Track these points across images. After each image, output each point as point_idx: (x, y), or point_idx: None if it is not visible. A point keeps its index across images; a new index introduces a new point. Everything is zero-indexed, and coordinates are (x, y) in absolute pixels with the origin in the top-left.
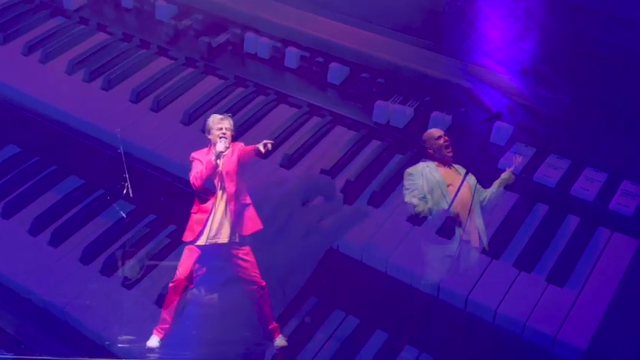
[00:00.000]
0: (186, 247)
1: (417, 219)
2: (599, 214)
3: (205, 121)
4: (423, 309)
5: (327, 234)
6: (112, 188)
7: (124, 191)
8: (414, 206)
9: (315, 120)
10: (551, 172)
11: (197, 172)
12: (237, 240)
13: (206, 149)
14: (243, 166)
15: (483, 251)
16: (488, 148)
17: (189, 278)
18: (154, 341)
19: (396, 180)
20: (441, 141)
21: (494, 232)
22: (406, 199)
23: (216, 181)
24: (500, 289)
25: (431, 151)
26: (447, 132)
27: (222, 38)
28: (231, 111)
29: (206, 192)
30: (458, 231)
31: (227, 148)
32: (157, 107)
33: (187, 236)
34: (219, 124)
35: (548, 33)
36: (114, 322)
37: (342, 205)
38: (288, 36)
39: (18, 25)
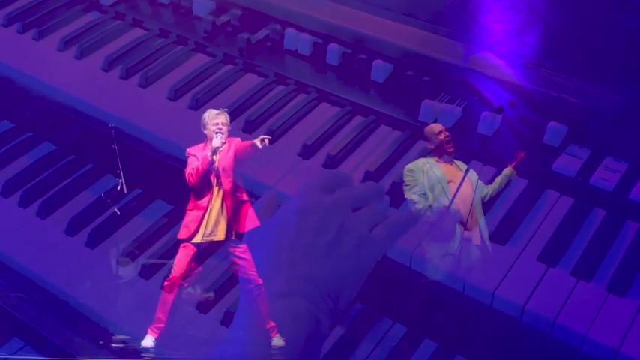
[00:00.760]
0: (182, 244)
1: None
2: (626, 207)
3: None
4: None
5: (380, 243)
6: (151, 188)
7: (119, 188)
8: (415, 203)
9: (358, 119)
10: (608, 175)
11: (193, 168)
12: (233, 238)
13: (202, 145)
14: (239, 162)
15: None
16: (490, 143)
17: (185, 276)
18: (148, 341)
19: None
20: (442, 136)
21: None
22: (406, 196)
23: (212, 178)
24: (528, 285)
25: (431, 146)
26: (496, 132)
27: (261, 34)
28: (271, 109)
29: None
30: (459, 228)
31: (223, 143)
32: (196, 105)
33: (183, 233)
34: (215, 119)
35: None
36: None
37: (390, 211)
38: (329, 32)
39: (53, 21)
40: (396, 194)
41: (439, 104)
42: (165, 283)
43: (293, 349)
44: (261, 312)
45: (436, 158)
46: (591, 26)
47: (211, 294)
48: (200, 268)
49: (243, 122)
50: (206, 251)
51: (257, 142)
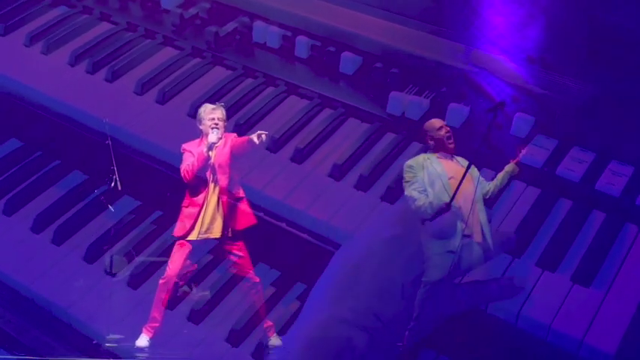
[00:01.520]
0: (177, 242)
1: None
2: (626, 210)
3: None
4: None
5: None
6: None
7: (112, 184)
8: (414, 200)
9: (327, 112)
10: (574, 165)
11: (188, 164)
12: (230, 235)
13: (197, 140)
14: (236, 157)
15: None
16: (492, 139)
17: (180, 275)
18: (143, 340)
19: None
20: (443, 132)
21: (514, 229)
22: (406, 193)
23: (208, 174)
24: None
25: (432, 142)
26: (464, 124)
27: (229, 27)
28: (240, 103)
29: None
30: (460, 225)
31: (219, 139)
32: (163, 99)
33: (178, 231)
34: (211, 113)
35: (570, 18)
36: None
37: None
38: (298, 24)
39: (19, 16)
40: (364, 186)
41: (407, 96)
42: (160, 281)
43: None
44: (257, 310)
45: (436, 154)
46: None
47: (207, 293)
48: (195, 266)
49: None
50: (202, 249)
51: (254, 137)
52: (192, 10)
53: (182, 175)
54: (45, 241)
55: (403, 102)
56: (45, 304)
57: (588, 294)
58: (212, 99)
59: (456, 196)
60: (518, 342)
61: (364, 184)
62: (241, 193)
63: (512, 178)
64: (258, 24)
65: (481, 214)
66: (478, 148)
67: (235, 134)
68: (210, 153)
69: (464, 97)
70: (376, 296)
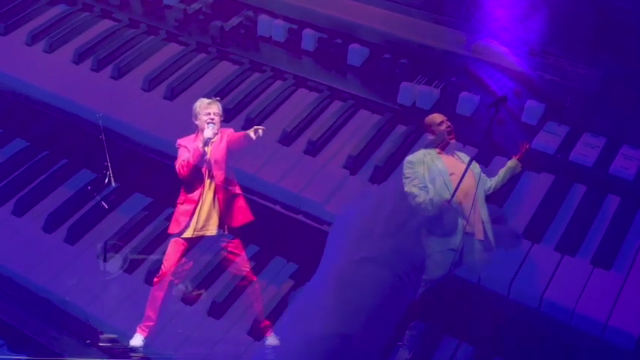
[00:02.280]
0: (172, 239)
1: None
2: (606, 181)
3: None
4: (461, 292)
5: None
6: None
7: (106, 180)
8: (415, 196)
9: (337, 104)
10: (587, 150)
11: (183, 160)
12: (226, 232)
13: (193, 136)
14: (232, 153)
15: (524, 235)
16: (495, 134)
17: (175, 273)
18: (137, 340)
19: None
20: (444, 127)
21: (531, 215)
22: (406, 189)
23: (203, 170)
24: (545, 275)
25: (433, 137)
26: (475, 112)
27: (234, 22)
28: (249, 97)
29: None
30: (461, 222)
31: (215, 134)
32: (172, 95)
33: (173, 228)
34: (207, 108)
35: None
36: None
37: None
38: (304, 17)
39: (19, 15)
40: (380, 179)
41: (417, 86)
42: (155, 279)
43: (370, 313)
44: (254, 310)
45: (437, 149)
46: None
47: (202, 291)
48: (191, 264)
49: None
50: (197, 246)
51: (250, 132)
52: (196, 5)
53: (177, 171)
54: (58, 241)
55: (414, 92)
56: (62, 303)
57: (609, 277)
58: (221, 94)
59: (457, 192)
60: (541, 327)
61: (379, 175)
62: (238, 190)
63: (514, 174)
64: (263, 18)
65: (483, 211)
66: (480, 142)
67: (232, 129)
68: (206, 148)
69: (474, 86)
70: (392, 237)
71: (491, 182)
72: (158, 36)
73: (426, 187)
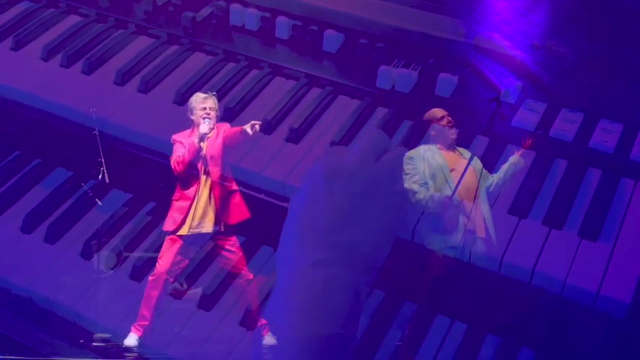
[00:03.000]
0: (167, 237)
1: None
2: (621, 165)
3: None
4: (452, 271)
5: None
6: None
7: (100, 176)
8: (415, 193)
9: (315, 91)
10: (566, 126)
11: (179, 156)
12: (222, 229)
13: (188, 131)
14: (228, 149)
15: (510, 212)
16: (496, 126)
17: (171, 271)
18: (131, 340)
19: (411, 146)
20: (444, 122)
21: (516, 192)
22: (406, 185)
23: (199, 166)
24: (534, 249)
25: (433, 132)
26: (454, 92)
27: (205, 12)
28: (225, 87)
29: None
30: (462, 220)
31: (212, 129)
32: (146, 88)
33: (168, 225)
34: (203, 103)
35: None
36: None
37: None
38: (276, 5)
39: None
40: None
41: (395, 70)
42: (150, 278)
43: (333, 320)
44: (251, 308)
45: (438, 145)
46: None
47: (199, 290)
48: (187, 262)
49: None
50: (193, 244)
51: (247, 127)
52: None
53: (172, 167)
54: (38, 241)
55: (392, 75)
56: (46, 304)
57: (597, 248)
58: (197, 84)
59: (458, 188)
60: (533, 300)
61: None
62: (234, 186)
63: (516, 169)
64: (235, 7)
65: (484, 208)
66: (534, 130)
67: (228, 124)
68: (201, 144)
69: (452, 67)
70: (337, 231)
71: (493, 178)
72: (127, 29)
73: (426, 183)
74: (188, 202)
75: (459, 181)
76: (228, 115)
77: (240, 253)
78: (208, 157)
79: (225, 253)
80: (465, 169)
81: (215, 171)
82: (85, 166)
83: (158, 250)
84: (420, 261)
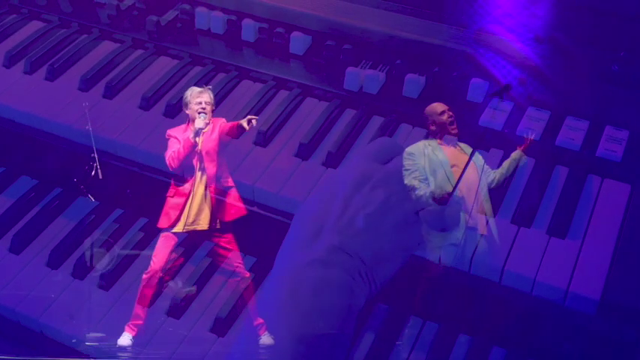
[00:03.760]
0: (162, 234)
1: None
2: (588, 162)
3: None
4: (426, 272)
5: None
6: (70, 185)
7: (93, 172)
8: (415, 189)
9: (283, 94)
10: (533, 124)
11: (173, 151)
12: (218, 227)
13: (183, 126)
14: (224, 144)
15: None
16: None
17: (165, 269)
18: (125, 339)
19: None
20: (445, 116)
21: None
22: (406, 182)
23: (194, 162)
24: (504, 247)
25: (433, 127)
26: (422, 93)
27: (170, 15)
28: None
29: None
30: (463, 217)
31: (207, 124)
32: (111, 94)
33: (163, 222)
34: (198, 97)
35: None
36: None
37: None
38: (242, 8)
39: None
40: (333, 163)
41: (363, 71)
42: (144, 276)
43: (327, 319)
44: (247, 307)
45: (438, 140)
46: None
47: (193, 288)
48: (182, 260)
49: (164, 107)
50: (188, 241)
51: (244, 122)
52: (128, 1)
53: (167, 163)
54: (2, 251)
55: (360, 77)
56: (12, 315)
57: (565, 245)
58: (162, 89)
59: (459, 185)
60: (503, 299)
61: (333, 160)
62: (230, 182)
63: (518, 165)
64: (200, 10)
65: (486, 205)
66: (483, 132)
67: (224, 119)
68: (197, 139)
69: (419, 67)
70: (338, 234)
71: (495, 174)
72: (91, 34)
73: (426, 179)
74: (183, 199)
75: (460, 177)
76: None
77: (237, 251)
78: (204, 152)
79: (221, 250)
80: (466, 165)
81: (211, 167)
82: (51, 174)
83: (128, 257)
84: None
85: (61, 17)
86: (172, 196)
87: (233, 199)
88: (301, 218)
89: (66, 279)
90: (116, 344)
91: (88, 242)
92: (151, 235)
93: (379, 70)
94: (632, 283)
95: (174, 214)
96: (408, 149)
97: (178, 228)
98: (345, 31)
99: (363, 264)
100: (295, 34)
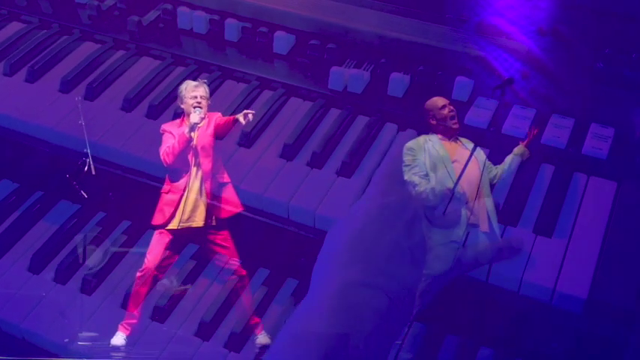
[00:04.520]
0: (156, 231)
1: None
2: (574, 160)
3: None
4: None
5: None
6: (52, 188)
7: (85, 168)
8: (415, 185)
9: (267, 94)
10: (519, 122)
11: (168, 146)
12: (213, 224)
13: (178, 120)
14: (220, 139)
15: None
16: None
17: (160, 267)
18: (119, 339)
19: (364, 149)
20: (446, 111)
21: None
22: (406, 177)
23: (189, 157)
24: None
25: (434, 122)
26: (407, 93)
27: (152, 15)
28: (175, 92)
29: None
30: (465, 213)
31: (202, 119)
32: (92, 96)
33: (157, 219)
34: (194, 91)
35: None
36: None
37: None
38: (224, 7)
39: None
40: (318, 164)
41: (347, 70)
42: (138, 274)
43: (367, 336)
44: (244, 306)
45: (439, 135)
46: None
47: (189, 287)
48: (176, 258)
49: (147, 108)
50: (183, 239)
51: (240, 117)
52: (109, 1)
53: (162, 158)
54: None
55: (344, 76)
56: None
57: (552, 244)
58: (145, 90)
59: (461, 181)
60: (491, 298)
61: (318, 161)
62: (226, 178)
63: (521, 161)
64: (182, 10)
65: (488, 201)
66: (487, 128)
67: (219, 114)
68: (192, 134)
69: (404, 66)
70: (384, 259)
71: (497, 170)
72: (72, 35)
73: (427, 175)
74: (178, 195)
75: (462, 173)
76: (175, 119)
77: (233, 248)
78: (199, 147)
79: (216, 248)
80: (468, 161)
81: (206, 162)
82: (32, 178)
83: (111, 261)
84: None
85: (42, 18)
86: (167, 193)
87: (229, 195)
88: (338, 241)
89: (48, 284)
90: (109, 344)
91: (70, 246)
92: (134, 237)
93: (364, 70)
94: (619, 281)
95: (168, 211)
96: (408, 144)
97: (173, 225)
98: (329, 30)
99: (406, 290)
100: (279, 33)
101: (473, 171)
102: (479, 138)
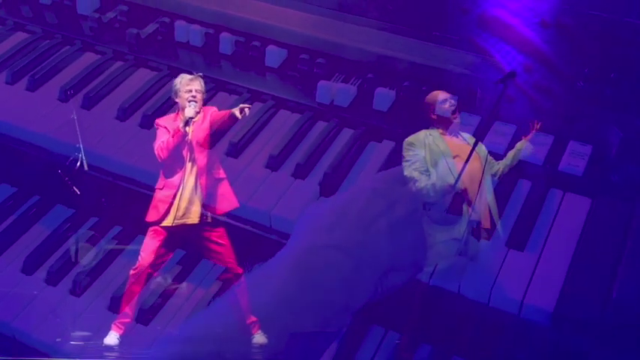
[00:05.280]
0: (150, 228)
1: None
2: (550, 176)
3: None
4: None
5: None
6: (48, 193)
7: (78, 163)
8: (415, 181)
9: (257, 105)
10: (498, 138)
11: (162, 141)
12: (209, 220)
13: (173, 115)
14: (216, 134)
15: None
16: (502, 112)
17: (154, 265)
18: (112, 338)
19: (347, 161)
20: (447, 105)
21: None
22: (405, 173)
23: (184, 152)
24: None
25: (434, 116)
26: (391, 108)
27: (150, 28)
28: (169, 102)
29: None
30: (466, 210)
31: (198, 113)
32: (89, 105)
33: (151, 216)
34: (189, 85)
35: None
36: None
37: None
38: (220, 21)
39: None
40: (301, 174)
41: (335, 84)
42: (132, 272)
43: (324, 297)
44: (240, 304)
45: (440, 130)
46: None
47: (184, 285)
48: (171, 255)
49: (140, 118)
50: (177, 236)
51: (236, 111)
52: (110, 14)
53: (156, 153)
54: None
55: (332, 90)
56: None
57: (523, 257)
58: (140, 101)
59: (462, 176)
60: (461, 310)
61: (301, 172)
62: (222, 174)
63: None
64: (179, 23)
65: (489, 197)
66: (487, 120)
67: (215, 108)
68: (187, 129)
69: (390, 81)
70: (362, 231)
71: (499, 166)
72: (74, 46)
73: (427, 170)
74: (172, 191)
75: (463, 169)
76: None
77: (229, 245)
78: (194, 142)
79: (212, 245)
80: (469, 156)
81: (201, 158)
82: (29, 182)
83: (101, 264)
84: None
85: (45, 29)
86: (161, 189)
87: (225, 191)
88: (320, 210)
89: (40, 285)
90: (102, 343)
91: (62, 249)
92: (126, 242)
93: (351, 84)
94: (586, 295)
95: (163, 207)
96: (408, 139)
97: (168, 222)
98: (319, 45)
99: (379, 266)
100: (271, 47)
101: (475, 166)
102: (533, 126)
